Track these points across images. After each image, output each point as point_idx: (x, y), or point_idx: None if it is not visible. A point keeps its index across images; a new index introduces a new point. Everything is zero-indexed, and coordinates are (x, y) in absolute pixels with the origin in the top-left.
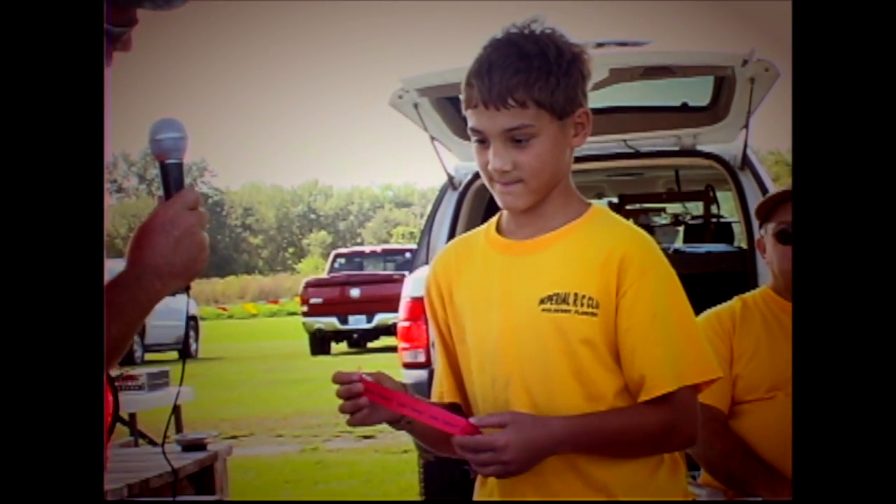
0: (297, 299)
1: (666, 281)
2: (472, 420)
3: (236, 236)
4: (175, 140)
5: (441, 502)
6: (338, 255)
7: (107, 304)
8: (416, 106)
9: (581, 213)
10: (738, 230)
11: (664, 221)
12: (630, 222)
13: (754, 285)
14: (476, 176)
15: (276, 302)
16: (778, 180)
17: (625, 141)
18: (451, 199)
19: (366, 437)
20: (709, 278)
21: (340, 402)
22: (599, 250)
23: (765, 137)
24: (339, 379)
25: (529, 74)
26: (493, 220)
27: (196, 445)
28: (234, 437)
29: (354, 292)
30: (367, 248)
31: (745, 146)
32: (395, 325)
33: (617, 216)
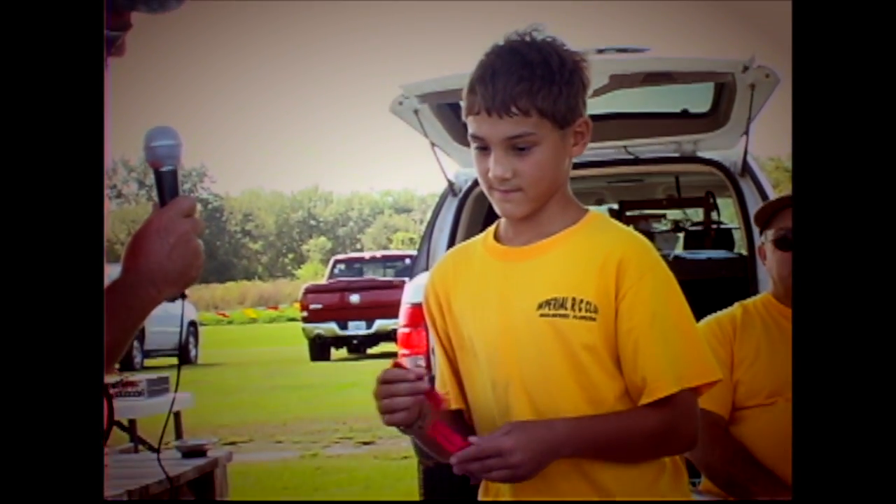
0: (297, 305)
1: (664, 283)
2: (471, 439)
3: (236, 242)
4: (169, 147)
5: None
6: (337, 261)
7: None
8: (416, 112)
9: (578, 219)
10: (739, 236)
11: (664, 228)
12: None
13: (755, 292)
14: (476, 182)
15: (275, 308)
16: (778, 186)
17: (625, 147)
18: (451, 205)
19: (365, 444)
20: (709, 285)
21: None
22: (597, 254)
23: (765, 143)
24: (394, 377)
25: (533, 83)
26: (491, 228)
27: (196, 452)
28: (233, 443)
29: (354, 298)
30: (366, 254)
31: (746, 152)
32: (394, 330)
33: (614, 221)
